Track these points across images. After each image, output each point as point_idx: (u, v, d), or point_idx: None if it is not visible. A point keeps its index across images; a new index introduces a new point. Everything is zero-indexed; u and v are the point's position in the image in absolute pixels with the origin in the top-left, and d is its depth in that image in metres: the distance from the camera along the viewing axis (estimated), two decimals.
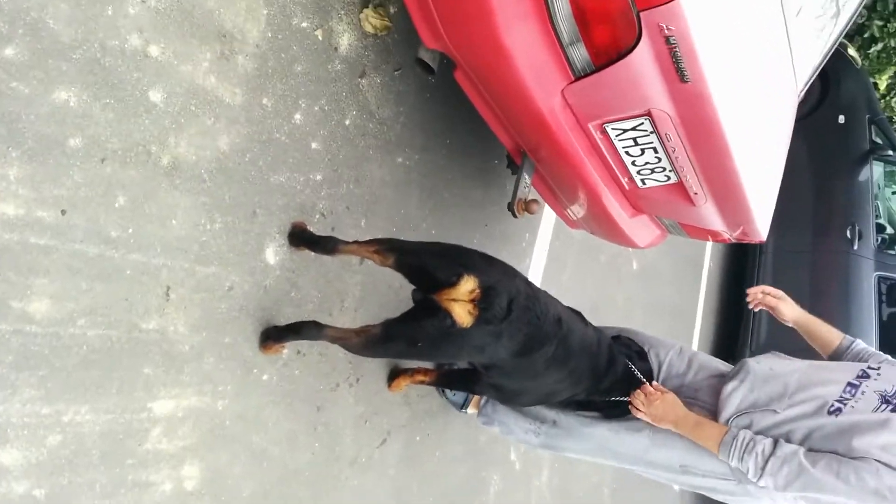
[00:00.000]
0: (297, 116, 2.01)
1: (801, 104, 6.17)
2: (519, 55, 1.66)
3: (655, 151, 1.94)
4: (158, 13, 1.63)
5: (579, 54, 1.67)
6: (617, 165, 2.08)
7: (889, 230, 5.99)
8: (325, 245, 1.95)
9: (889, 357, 1.98)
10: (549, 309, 1.79)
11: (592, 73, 1.69)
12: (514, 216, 2.33)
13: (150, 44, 1.62)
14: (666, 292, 5.23)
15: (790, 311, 2.19)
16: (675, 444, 2.02)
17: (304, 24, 1.99)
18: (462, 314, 1.58)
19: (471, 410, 2.71)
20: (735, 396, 1.94)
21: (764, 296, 2.22)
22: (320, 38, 2.04)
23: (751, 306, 2.27)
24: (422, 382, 2.50)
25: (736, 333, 5.96)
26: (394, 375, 2.47)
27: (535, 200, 2.32)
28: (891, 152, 5.78)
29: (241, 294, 1.90)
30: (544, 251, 3.47)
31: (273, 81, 1.92)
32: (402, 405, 2.57)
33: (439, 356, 1.87)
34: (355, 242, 1.88)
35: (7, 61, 1.39)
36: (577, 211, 2.53)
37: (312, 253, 2.02)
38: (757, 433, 1.82)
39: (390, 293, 2.40)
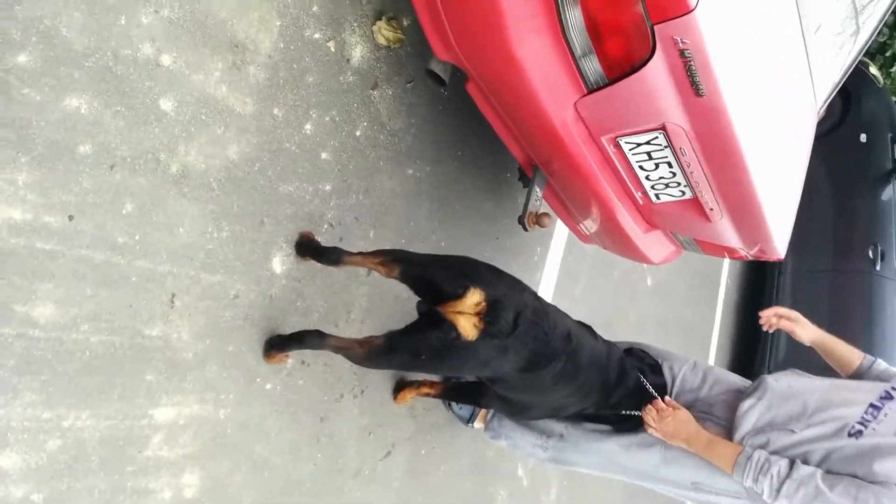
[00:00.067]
0: (308, 127, 2.01)
1: (822, 122, 6.11)
2: (531, 67, 1.64)
3: (670, 166, 1.91)
4: (171, 23, 1.64)
5: (592, 67, 1.65)
6: (630, 180, 2.05)
7: None
8: (329, 256, 1.93)
9: None
10: (557, 324, 1.76)
11: (606, 86, 1.67)
12: (525, 230, 2.31)
13: (163, 53, 1.62)
14: (681, 309, 5.16)
15: (807, 332, 2.13)
16: (687, 461, 1.98)
17: (317, 36, 1.99)
18: (467, 327, 1.56)
19: (477, 425, 2.68)
20: (752, 414, 1.90)
21: (778, 319, 2.16)
22: (333, 49, 2.04)
23: (764, 328, 2.21)
24: (427, 395, 2.47)
25: (754, 352, 5.88)
26: (399, 387, 2.45)
27: (546, 214, 2.30)
28: None
29: (247, 303, 1.89)
30: (556, 265, 3.44)
31: (284, 92, 1.92)
32: (407, 418, 2.55)
33: (443, 369, 1.85)
34: (360, 253, 1.87)
35: (20, 68, 1.40)
36: (590, 226, 2.50)
37: (319, 264, 2.01)
38: (773, 453, 1.77)
39: (397, 305, 2.38)
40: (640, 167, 1.97)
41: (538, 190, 2.30)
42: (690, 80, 1.55)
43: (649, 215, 2.30)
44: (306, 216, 2.04)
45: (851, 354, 2.06)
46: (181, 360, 1.74)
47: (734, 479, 1.80)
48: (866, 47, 2.75)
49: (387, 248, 1.91)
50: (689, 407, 2.06)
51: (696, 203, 2.05)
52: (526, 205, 2.28)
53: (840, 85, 2.77)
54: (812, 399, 1.84)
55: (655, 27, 1.45)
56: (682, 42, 1.45)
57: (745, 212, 2.05)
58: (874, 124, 5.79)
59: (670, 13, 1.41)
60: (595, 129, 1.85)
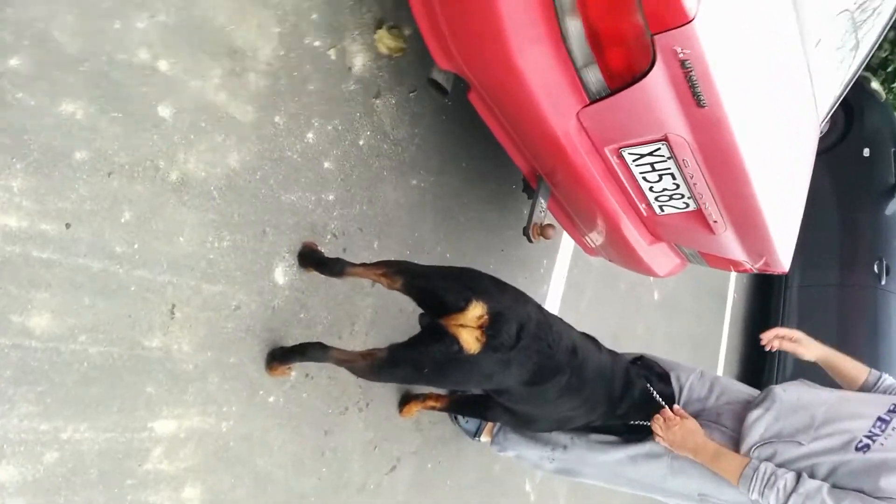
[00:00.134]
0: (310, 135, 2.00)
1: (826, 137, 6.13)
2: (532, 77, 1.64)
3: (673, 177, 1.90)
4: (167, 28, 1.63)
5: (594, 77, 1.65)
6: (634, 191, 2.04)
7: None
8: (332, 267, 1.92)
9: None
10: (562, 337, 1.75)
11: (607, 96, 1.66)
12: (530, 241, 2.30)
13: (159, 58, 1.62)
14: (688, 323, 5.13)
15: (810, 351, 2.12)
16: (694, 472, 1.96)
17: (317, 44, 1.99)
18: (469, 340, 1.54)
19: (484, 438, 2.66)
20: (759, 425, 1.87)
21: (780, 340, 2.14)
22: (333, 57, 2.04)
23: (766, 349, 2.19)
24: (433, 408, 2.45)
25: (761, 366, 5.84)
26: (405, 401, 2.43)
27: (550, 225, 2.29)
28: None
29: (249, 314, 1.88)
30: (562, 278, 3.42)
31: (285, 100, 1.92)
32: (413, 431, 2.52)
33: (446, 383, 1.84)
34: (363, 265, 1.86)
35: (12, 72, 1.39)
36: (595, 238, 2.49)
37: (322, 275, 1.99)
38: (780, 465, 1.75)
39: (402, 317, 2.36)
40: (644, 178, 1.96)
41: (542, 201, 2.29)
42: (692, 90, 1.54)
43: (654, 227, 2.29)
44: (309, 226, 2.03)
45: (857, 370, 2.04)
46: (182, 372, 1.73)
47: (740, 491, 1.78)
48: (866, 62, 2.76)
49: (390, 259, 1.90)
50: (697, 416, 2.04)
51: (700, 215, 2.04)
52: (530, 216, 2.27)
53: (841, 99, 2.77)
54: (820, 411, 1.82)
55: (655, 37, 1.44)
56: (683, 52, 1.45)
57: (748, 224, 2.04)
58: (877, 139, 5.79)
59: (669, 23, 1.40)
60: (598, 140, 1.84)
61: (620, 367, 2.03)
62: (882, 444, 1.67)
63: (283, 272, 1.96)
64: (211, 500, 1.81)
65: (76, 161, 1.49)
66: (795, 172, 2.38)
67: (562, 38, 1.58)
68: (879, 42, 2.77)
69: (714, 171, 1.81)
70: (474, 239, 2.77)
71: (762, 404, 1.93)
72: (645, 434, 2.05)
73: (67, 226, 1.48)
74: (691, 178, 1.85)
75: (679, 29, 1.40)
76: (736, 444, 1.90)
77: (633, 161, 1.88)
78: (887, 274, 5.46)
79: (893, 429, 1.69)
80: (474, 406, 2.32)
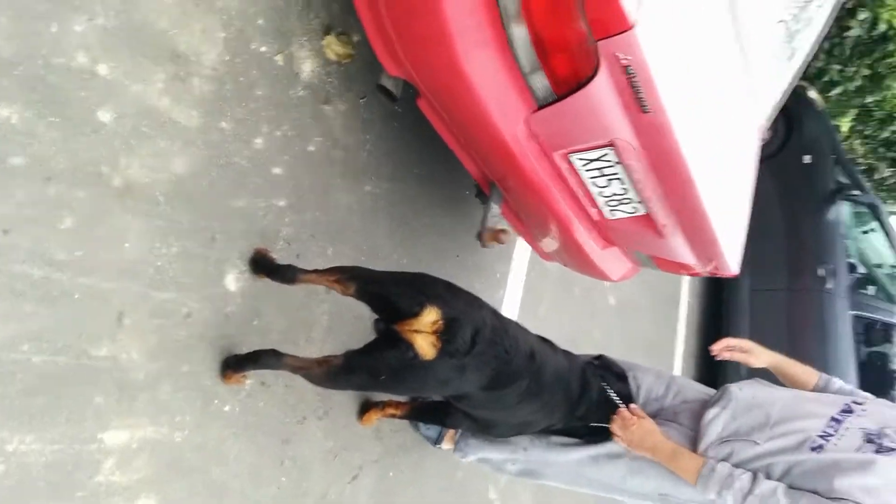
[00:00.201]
0: (258, 141, 1.99)
1: (768, 144, 6.30)
2: (480, 82, 1.66)
3: (621, 182, 1.94)
4: (107, 32, 1.60)
5: (540, 83, 1.67)
6: (584, 196, 2.07)
7: (861, 270, 6.05)
8: (284, 274, 1.90)
9: (871, 395, 1.96)
10: (519, 342, 1.75)
11: (554, 102, 1.69)
12: (483, 246, 2.31)
13: (99, 62, 1.59)
14: (644, 327, 5.21)
15: (759, 360, 2.17)
16: (653, 472, 1.98)
17: (264, 49, 1.98)
18: (424, 346, 1.54)
19: (446, 445, 2.65)
20: (717, 423, 1.91)
21: (730, 351, 2.19)
22: (281, 63, 2.03)
23: (717, 359, 2.24)
24: (393, 416, 2.43)
25: (716, 369, 5.95)
26: (364, 409, 2.40)
27: (503, 230, 2.30)
28: (856, 192, 5.86)
29: (201, 321, 1.85)
30: (520, 283, 3.44)
31: (231, 105, 1.90)
32: (373, 439, 2.50)
33: (403, 389, 1.83)
34: (315, 271, 1.84)
35: None
36: (549, 243, 2.52)
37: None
38: (737, 465, 1.78)
39: (359, 324, 2.35)
40: (594, 183, 1.99)
41: (495, 207, 2.31)
42: (635, 96, 1.57)
43: (605, 232, 2.32)
44: (260, 232, 2.01)
45: (807, 375, 2.09)
46: (132, 381, 1.69)
47: (697, 490, 1.81)
48: (803, 70, 2.85)
49: (344, 265, 1.89)
50: (655, 415, 2.07)
51: (648, 219, 2.08)
52: (483, 221, 2.29)
53: (781, 106, 2.85)
54: (775, 409, 1.85)
55: (598, 44, 1.47)
56: (625, 58, 1.48)
57: (695, 228, 2.08)
58: (817, 146, 5.96)
59: (612, 30, 1.43)
60: (547, 145, 1.87)
61: (577, 369, 2.05)
62: (835, 445, 1.70)
63: (236, 279, 1.94)
64: None
65: (12, 166, 1.45)
66: (739, 177, 2.45)
67: (508, 43, 1.60)
68: (815, 52, 2.87)
69: (660, 176, 1.85)
70: (429, 244, 2.77)
71: (718, 403, 1.96)
72: (605, 435, 2.06)
73: (5, 232, 1.44)
74: (638, 182, 1.89)
75: (621, 35, 1.44)
76: (694, 442, 1.93)
77: (583, 166, 1.91)
78: (833, 278, 5.61)
79: (847, 429, 1.72)
80: (435, 413, 2.32)
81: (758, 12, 2.11)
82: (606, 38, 1.45)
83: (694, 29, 1.71)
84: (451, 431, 2.61)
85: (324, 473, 2.26)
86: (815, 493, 1.63)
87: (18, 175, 1.47)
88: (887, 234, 6.05)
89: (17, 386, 1.47)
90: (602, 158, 1.85)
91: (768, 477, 1.72)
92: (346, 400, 2.37)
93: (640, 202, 2.00)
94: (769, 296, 5.91)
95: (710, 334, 6.51)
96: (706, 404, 2.02)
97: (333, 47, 2.15)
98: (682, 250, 2.26)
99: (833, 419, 1.77)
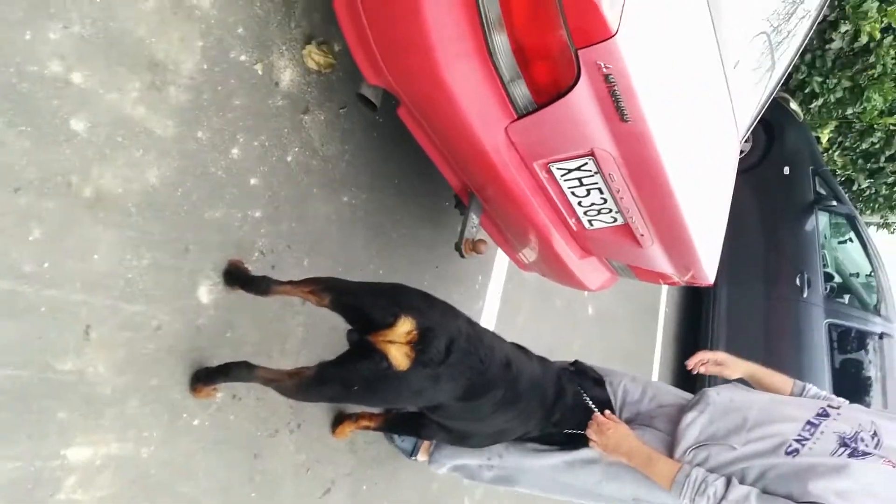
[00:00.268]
0: (235, 151, 1.95)
1: (748, 155, 6.39)
2: (460, 91, 1.64)
3: (601, 192, 1.93)
4: (83, 40, 1.57)
5: (521, 92, 1.66)
6: (564, 206, 2.06)
7: (837, 279, 6.14)
8: (258, 285, 1.87)
9: (846, 400, 1.97)
10: (494, 352, 1.74)
11: (534, 111, 1.68)
12: (462, 256, 2.30)
13: (73, 70, 1.55)
14: (622, 338, 5.23)
15: (735, 371, 2.20)
16: (628, 477, 1.98)
17: (243, 58, 1.95)
18: (398, 356, 1.52)
19: (421, 457, 2.62)
20: (694, 427, 1.91)
21: (705, 366, 2.22)
22: (260, 72, 2.00)
23: (693, 373, 2.26)
24: (367, 428, 2.39)
25: (694, 377, 5.98)
26: (338, 421, 2.37)
27: (482, 240, 2.29)
28: (834, 203, 5.96)
29: (171, 333, 1.80)
30: (498, 294, 3.43)
31: (209, 114, 1.87)
32: (347, 452, 2.46)
33: (376, 401, 1.81)
34: (290, 282, 1.81)
35: None
36: (528, 254, 2.51)
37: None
38: (713, 469, 1.78)
39: (335, 335, 2.31)
40: (573, 193, 1.98)
41: (474, 217, 2.29)
42: (615, 105, 1.57)
43: (584, 242, 2.32)
44: (235, 244, 1.97)
45: (782, 383, 2.11)
46: (98, 396, 1.64)
47: (672, 496, 1.80)
48: (782, 82, 2.89)
49: (317, 276, 1.86)
50: (631, 420, 2.07)
51: (627, 229, 2.07)
52: (462, 231, 2.27)
53: (759, 117, 2.88)
54: (752, 413, 1.86)
55: (579, 52, 1.47)
56: (606, 67, 1.47)
57: (674, 237, 2.09)
58: (796, 158, 6.07)
59: (593, 38, 1.42)
60: (527, 155, 1.86)
61: (551, 374, 2.05)
62: (811, 449, 1.71)
63: (209, 291, 1.89)
64: None
65: None
66: (718, 187, 2.46)
67: (488, 52, 1.59)
68: (796, 64, 2.92)
69: (639, 185, 1.85)
70: (408, 255, 2.75)
71: (696, 406, 1.97)
72: (581, 442, 2.05)
73: None
74: (618, 192, 1.89)
75: (602, 43, 1.43)
76: (670, 446, 1.93)
77: (562, 176, 1.90)
78: (809, 287, 5.69)
79: (822, 433, 1.74)
80: (409, 424, 2.29)
81: (739, 24, 2.12)
82: (588, 46, 1.45)
83: (675, 38, 1.71)
84: (426, 443, 2.59)
85: (295, 488, 2.22)
86: (789, 497, 1.64)
87: None
88: (864, 244, 6.16)
89: None
90: (582, 168, 1.84)
91: (742, 481, 1.72)
92: (319, 412, 2.33)
93: (619, 212, 2.00)
94: (746, 305, 5.99)
95: (688, 343, 6.56)
96: (683, 409, 2.03)
97: (314, 57, 2.13)
98: (660, 260, 2.26)
99: (809, 423, 1.78)
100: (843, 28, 5.81)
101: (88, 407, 1.62)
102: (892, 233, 9.60)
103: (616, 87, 1.52)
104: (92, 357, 1.62)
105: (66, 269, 1.56)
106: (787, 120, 6.14)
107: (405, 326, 1.54)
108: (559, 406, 2.02)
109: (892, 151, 7.10)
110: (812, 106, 6.53)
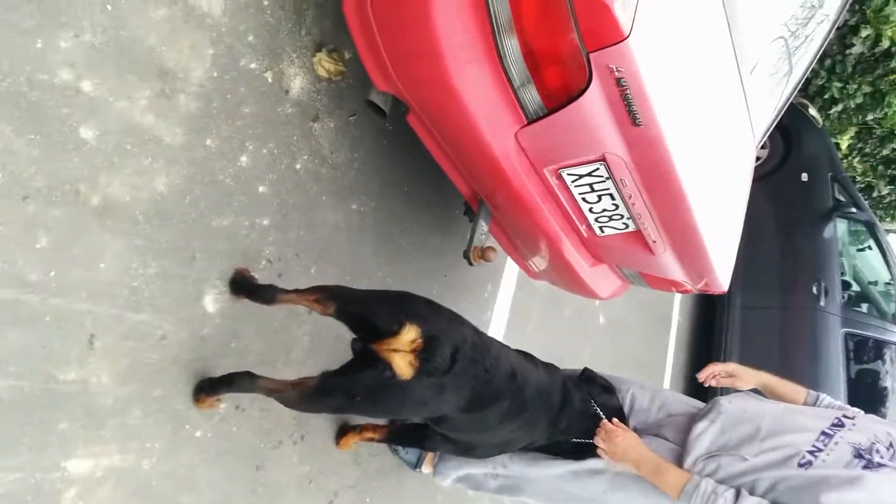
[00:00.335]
0: (244, 159, 1.94)
1: (766, 162, 6.32)
2: (470, 97, 1.62)
3: (612, 198, 1.90)
4: (94, 48, 1.56)
5: (531, 97, 1.64)
6: (574, 212, 2.04)
7: (855, 287, 6.05)
8: (263, 294, 1.85)
9: (860, 410, 1.93)
10: (500, 361, 1.71)
11: (545, 116, 1.66)
12: (471, 264, 2.27)
13: (83, 79, 1.54)
14: (634, 346, 5.18)
15: (747, 382, 2.16)
16: (634, 488, 1.94)
17: (253, 66, 1.94)
18: (402, 365, 1.49)
19: (425, 469, 2.59)
20: (705, 437, 1.87)
21: (716, 378, 2.19)
22: (270, 80, 1.99)
23: (705, 385, 2.23)
24: (371, 440, 2.37)
25: (706, 388, 5.91)
26: (342, 432, 2.34)
27: (491, 248, 2.26)
28: (854, 210, 5.88)
29: (176, 343, 1.78)
30: (507, 303, 3.40)
31: (218, 122, 1.86)
32: (351, 464, 2.44)
33: (380, 411, 1.78)
34: (295, 291, 1.79)
35: None
36: (538, 262, 2.48)
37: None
38: (723, 480, 1.75)
39: (340, 345, 2.28)
40: (584, 199, 1.95)
41: (483, 224, 2.27)
42: (627, 109, 1.54)
43: (595, 249, 2.29)
44: (242, 252, 1.95)
45: (796, 393, 2.08)
46: (100, 407, 1.62)
47: None
48: (799, 86, 2.85)
49: (323, 284, 1.84)
50: (640, 429, 2.04)
51: (639, 236, 2.04)
52: (471, 239, 2.25)
53: (776, 122, 2.84)
54: (765, 423, 1.83)
55: (591, 55, 1.45)
56: (618, 70, 1.45)
57: (687, 244, 2.05)
58: (815, 164, 6.00)
59: (604, 41, 1.40)
60: (537, 161, 1.83)
61: (558, 381, 2.01)
62: (824, 461, 1.67)
63: (214, 300, 1.88)
64: None
65: None
66: (732, 193, 2.42)
67: (498, 57, 1.57)
68: (815, 69, 2.88)
69: (651, 191, 1.82)
70: (416, 264, 2.73)
71: (707, 416, 1.93)
72: (589, 452, 2.02)
73: None
74: (630, 198, 1.86)
75: (614, 46, 1.41)
76: (678, 456, 1.90)
77: (573, 182, 1.88)
78: (826, 295, 5.61)
79: (836, 443, 1.70)
80: (413, 436, 2.26)
81: (756, 28, 2.09)
82: (599, 49, 1.43)
83: (689, 41, 1.68)
84: (431, 455, 2.57)
85: (298, 500, 2.20)
86: None
87: None
88: (883, 251, 6.07)
89: None
90: (593, 174, 1.81)
91: (753, 493, 1.69)
92: (323, 424, 2.31)
93: (630, 218, 1.97)
94: (761, 313, 5.91)
95: (701, 352, 6.49)
96: (693, 418, 2.00)
97: (324, 64, 2.12)
98: (672, 267, 2.23)
99: (823, 433, 1.74)
100: (864, 33, 5.74)
101: (90, 418, 1.60)
102: None
103: (628, 91, 1.50)
104: (95, 367, 1.61)
105: (72, 278, 1.55)
106: (805, 126, 6.09)
107: (410, 335, 1.51)
108: (566, 413, 1.99)
109: None
110: (831, 112, 6.45)
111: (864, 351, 5.67)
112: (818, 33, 2.68)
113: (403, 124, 2.00)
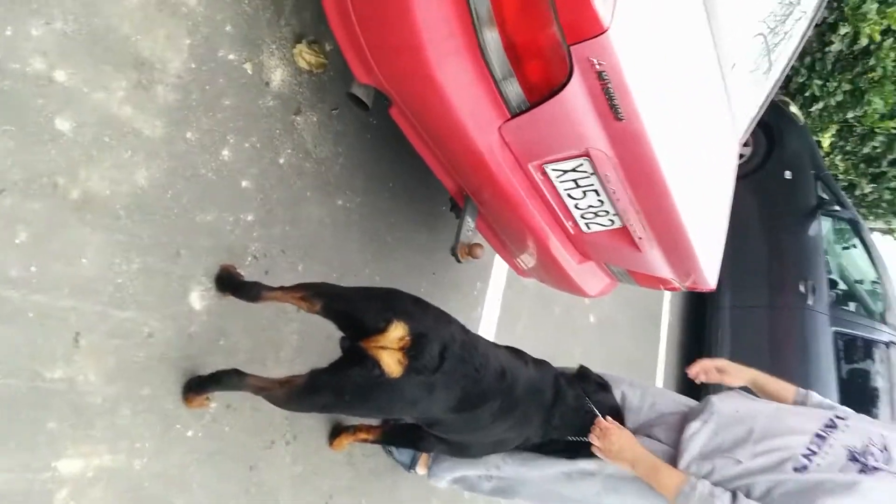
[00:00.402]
0: (226, 152, 1.93)
1: (749, 160, 6.34)
2: (452, 90, 1.61)
3: (597, 194, 1.90)
4: (66, 36, 1.54)
5: (513, 90, 1.63)
6: (560, 209, 2.03)
7: (842, 286, 6.08)
8: (248, 291, 1.84)
9: (851, 410, 1.93)
10: (489, 360, 1.71)
11: (527, 110, 1.65)
12: (458, 261, 2.27)
13: (57, 68, 1.53)
14: (624, 344, 5.19)
15: (737, 378, 2.17)
16: (628, 489, 1.94)
17: (232, 57, 1.93)
18: (390, 363, 1.49)
19: (420, 470, 2.58)
20: (698, 439, 1.87)
21: (706, 374, 2.20)
22: (250, 71, 1.98)
23: (696, 381, 2.24)
24: (365, 440, 2.36)
25: (698, 387, 5.93)
26: (335, 433, 2.33)
27: (478, 244, 2.26)
28: (837, 208, 5.91)
29: (163, 341, 1.77)
30: (497, 301, 3.40)
31: (198, 114, 1.84)
32: (344, 465, 2.42)
33: (369, 410, 1.77)
34: (281, 288, 1.78)
35: None
36: (526, 259, 2.48)
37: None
38: (717, 483, 1.74)
39: (330, 343, 2.23)
40: (569, 195, 1.95)
41: (470, 220, 2.27)
42: (609, 103, 1.54)
43: (581, 246, 2.29)
44: (227, 248, 1.94)
45: (785, 391, 2.08)
46: (88, 405, 1.61)
47: None
48: (780, 83, 2.87)
49: (309, 281, 1.83)
50: (632, 427, 2.04)
51: (625, 232, 2.04)
52: (457, 236, 2.24)
53: (758, 118, 2.86)
54: (758, 424, 1.82)
55: (571, 48, 1.44)
56: (599, 63, 1.45)
57: (672, 240, 2.05)
58: (798, 162, 6.02)
59: (585, 34, 1.40)
60: (521, 156, 1.83)
61: (549, 377, 2.01)
62: (819, 465, 1.67)
63: (201, 297, 1.87)
64: None
65: None
66: (717, 189, 2.43)
67: (480, 50, 1.57)
68: (795, 67, 2.90)
69: (636, 186, 1.82)
70: (403, 260, 2.72)
71: (700, 416, 1.93)
72: (583, 452, 2.02)
73: None
74: (614, 193, 1.86)
75: (595, 39, 1.41)
76: (671, 457, 1.89)
77: (557, 177, 1.88)
78: (813, 294, 5.63)
79: (831, 446, 1.70)
80: (407, 436, 2.25)
81: (735, 24, 2.10)
82: (580, 42, 1.42)
83: (670, 35, 1.69)
84: (425, 456, 2.56)
85: (292, 500, 2.18)
86: None
87: None
88: (868, 249, 6.10)
89: None
90: (577, 169, 1.81)
91: (748, 495, 1.69)
92: (316, 424, 2.30)
93: (616, 214, 1.97)
94: (750, 312, 5.93)
95: (692, 350, 6.50)
96: (685, 417, 2.00)
97: (305, 56, 2.11)
98: (659, 264, 2.23)
99: (817, 435, 1.74)
100: (843, 30, 5.78)
101: (79, 417, 1.59)
102: None
103: (609, 85, 1.50)
104: (82, 365, 1.60)
105: (54, 274, 1.54)
106: (787, 124, 6.11)
107: (398, 332, 1.51)
108: (558, 409, 1.98)
109: (895, 156, 7.05)
110: (812, 109, 6.49)
111: (854, 350, 5.69)
112: (797, 30, 2.70)
113: (387, 118, 1.99)
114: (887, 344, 5.76)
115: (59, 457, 1.55)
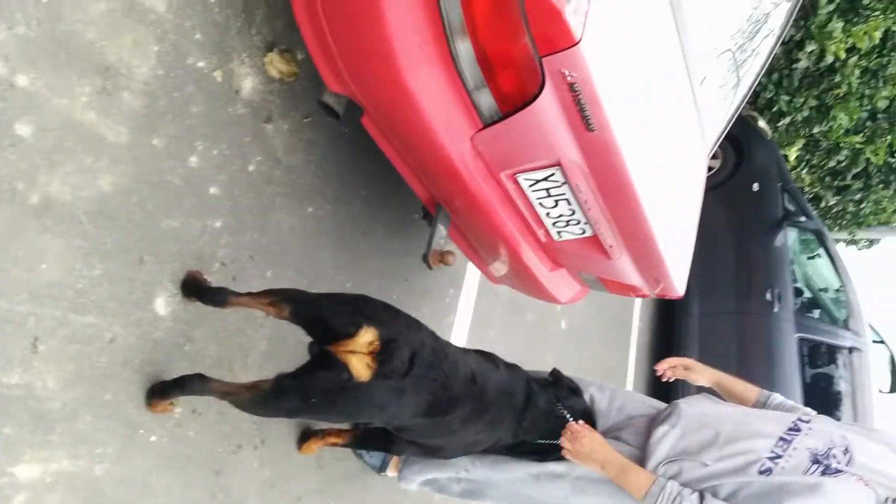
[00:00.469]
0: (193, 159, 1.90)
1: (718, 172, 6.45)
2: (424, 99, 1.61)
3: (568, 203, 1.91)
4: (28, 41, 1.51)
5: (486, 100, 1.64)
6: (532, 217, 2.05)
7: (807, 294, 6.21)
8: (214, 297, 1.82)
9: (813, 411, 1.97)
10: (459, 366, 1.71)
11: (500, 120, 1.66)
12: (430, 268, 2.26)
13: (18, 73, 1.49)
14: (596, 352, 5.23)
15: (702, 377, 2.20)
16: (597, 491, 1.95)
17: (201, 64, 1.90)
18: (359, 367, 1.48)
19: (391, 473, 2.58)
20: (666, 442, 1.89)
21: (672, 369, 2.24)
22: (219, 79, 1.95)
23: (663, 380, 2.27)
24: (335, 444, 2.34)
25: (668, 392, 6.00)
26: (304, 437, 2.32)
27: (450, 252, 2.26)
28: (803, 219, 6.04)
29: (125, 346, 1.74)
30: (469, 308, 3.40)
31: (165, 121, 1.81)
32: (314, 469, 2.40)
33: (337, 414, 1.76)
34: (248, 294, 1.76)
35: None
36: (498, 267, 2.48)
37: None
38: (685, 484, 1.76)
39: (300, 349, 2.17)
40: (541, 204, 1.96)
41: (442, 228, 2.26)
42: (581, 114, 1.55)
43: (553, 254, 2.30)
44: (194, 254, 1.91)
45: (748, 392, 2.12)
46: (47, 411, 1.57)
47: None
48: (747, 98, 2.92)
49: (278, 287, 1.81)
50: (600, 430, 2.05)
51: (596, 241, 2.06)
52: (429, 243, 2.23)
53: (726, 132, 2.90)
54: (724, 428, 1.84)
55: (543, 60, 1.45)
56: (570, 75, 1.46)
57: (642, 249, 2.08)
58: (765, 174, 6.15)
59: (557, 45, 1.41)
60: (493, 165, 1.83)
61: (520, 381, 2.01)
62: (783, 468, 1.69)
63: (166, 302, 1.83)
64: None
65: None
66: (686, 199, 2.46)
67: (452, 59, 1.57)
68: (763, 82, 2.95)
69: (606, 196, 1.83)
70: (376, 268, 2.71)
71: (668, 420, 1.95)
72: (553, 455, 2.02)
73: None
74: (585, 203, 1.87)
75: (566, 51, 1.42)
76: (638, 459, 1.91)
77: (529, 186, 1.88)
78: (779, 301, 5.75)
79: (795, 448, 1.72)
80: (378, 440, 2.24)
81: (705, 40, 2.14)
82: (552, 54, 1.43)
83: (641, 49, 1.70)
84: (396, 458, 2.55)
85: None
86: None
87: None
88: (832, 259, 6.25)
89: None
90: (549, 179, 1.82)
91: (715, 496, 1.71)
92: (284, 428, 2.27)
93: (587, 223, 1.99)
94: (718, 319, 6.03)
95: (661, 357, 6.53)
96: (653, 420, 2.02)
97: (276, 65, 2.09)
98: (629, 272, 2.25)
99: (781, 438, 1.77)
100: (809, 48, 5.90)
101: (37, 422, 1.55)
102: (860, 249, 9.78)
103: (581, 96, 1.51)
104: (40, 370, 1.56)
105: (12, 279, 1.50)
106: (755, 137, 6.22)
107: (367, 336, 1.50)
108: (529, 412, 1.99)
109: (858, 169, 7.21)
110: (780, 124, 6.61)
111: (817, 355, 5.82)
112: (764, 47, 2.75)
113: (359, 127, 1.99)
114: (850, 349, 5.90)
115: (16, 462, 1.52)
